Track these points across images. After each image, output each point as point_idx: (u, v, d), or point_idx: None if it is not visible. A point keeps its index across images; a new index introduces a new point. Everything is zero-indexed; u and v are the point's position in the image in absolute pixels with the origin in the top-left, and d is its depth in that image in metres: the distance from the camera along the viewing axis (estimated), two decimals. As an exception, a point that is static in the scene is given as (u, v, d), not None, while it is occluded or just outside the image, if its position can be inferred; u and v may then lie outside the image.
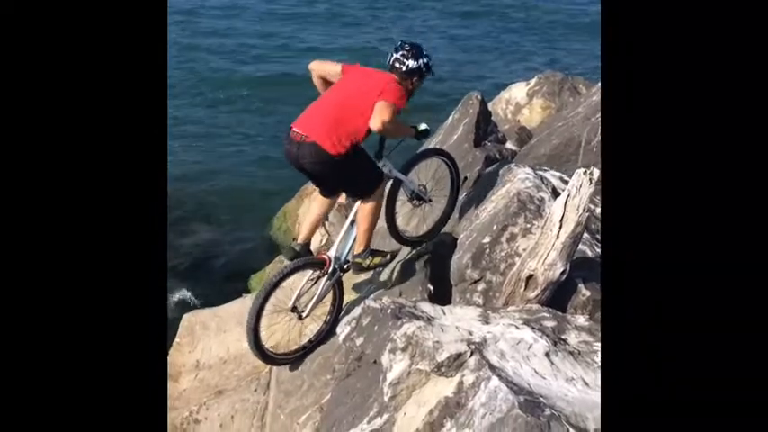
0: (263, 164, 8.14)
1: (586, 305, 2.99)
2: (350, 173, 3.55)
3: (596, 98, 4.74)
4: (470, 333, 2.46)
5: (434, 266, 3.95)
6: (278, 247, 6.20)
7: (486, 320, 2.65)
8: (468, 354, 2.29)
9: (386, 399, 2.40)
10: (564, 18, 15.66)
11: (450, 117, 5.66)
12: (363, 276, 4.13)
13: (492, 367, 2.20)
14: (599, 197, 4.08)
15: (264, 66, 11.88)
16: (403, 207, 4.03)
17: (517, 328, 2.50)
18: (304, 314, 3.79)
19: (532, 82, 6.59)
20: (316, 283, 3.77)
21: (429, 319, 2.60)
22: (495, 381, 2.11)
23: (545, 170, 4.11)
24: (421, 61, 3.56)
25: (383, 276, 4.12)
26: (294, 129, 3.46)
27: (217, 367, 4.29)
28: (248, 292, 5.45)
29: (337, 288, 3.84)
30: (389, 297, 2.90)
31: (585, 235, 3.36)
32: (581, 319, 2.73)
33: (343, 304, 3.89)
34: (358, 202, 3.70)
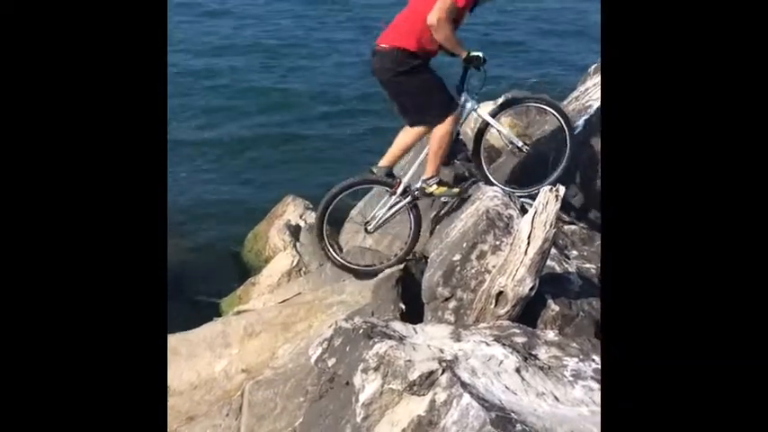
0: (232, 184, 8.09)
1: (556, 320, 3.02)
2: (418, 90, 3.69)
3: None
4: (442, 351, 2.47)
5: (406, 285, 3.96)
6: (249, 269, 6.15)
7: (457, 338, 2.67)
8: (440, 372, 2.30)
9: (359, 420, 2.39)
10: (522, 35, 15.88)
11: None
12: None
13: (463, 384, 2.21)
14: (574, 213, 4.15)
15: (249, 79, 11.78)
16: None
17: (488, 344, 2.52)
18: (370, 228, 4.10)
19: (499, 100, 6.68)
20: (386, 203, 4.01)
21: (401, 338, 2.60)
22: (466, 398, 2.12)
23: (513, 188, 4.18)
24: None
25: (354, 297, 4.12)
26: (376, 42, 3.71)
27: (187, 393, 4.22)
28: (219, 315, 5.38)
29: (412, 214, 4.01)
30: (361, 317, 2.90)
31: (553, 251, 3.41)
32: (551, 335, 2.76)
33: (416, 242, 4.09)
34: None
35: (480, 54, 3.74)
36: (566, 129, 4.09)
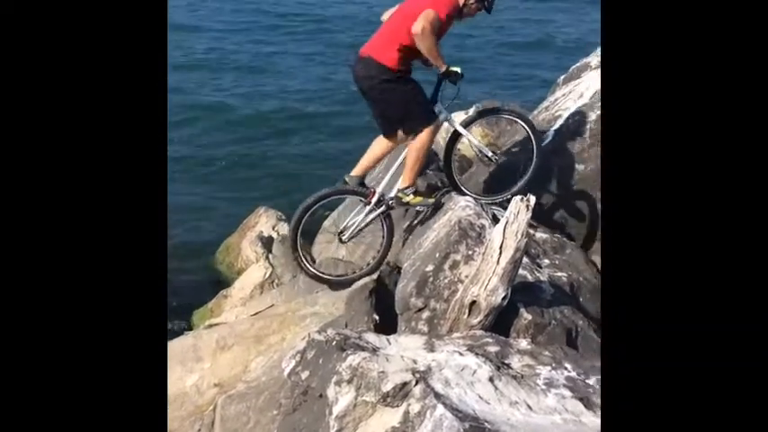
0: (203, 197, 8.01)
1: (528, 329, 3.04)
2: (401, 100, 3.71)
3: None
4: (415, 362, 2.47)
5: (380, 296, 3.95)
6: (220, 281, 6.08)
7: (431, 348, 2.66)
8: (414, 383, 2.29)
9: (332, 432, 2.37)
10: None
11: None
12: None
13: (437, 395, 2.20)
14: (546, 222, 4.18)
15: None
16: None
17: (461, 354, 2.53)
18: (344, 237, 4.08)
19: (471, 111, 6.75)
20: (360, 212, 4.00)
21: (374, 350, 2.59)
22: (440, 409, 2.12)
23: (485, 197, 4.20)
24: None
25: (328, 308, 4.10)
26: (360, 50, 3.74)
27: (158, 408, 4.15)
28: (190, 328, 5.31)
29: (385, 224, 4.02)
30: (334, 329, 2.89)
31: (525, 259, 3.43)
32: (523, 343, 2.77)
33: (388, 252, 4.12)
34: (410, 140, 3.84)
35: (459, 70, 3.78)
36: (533, 139, 4.14)
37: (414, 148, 3.83)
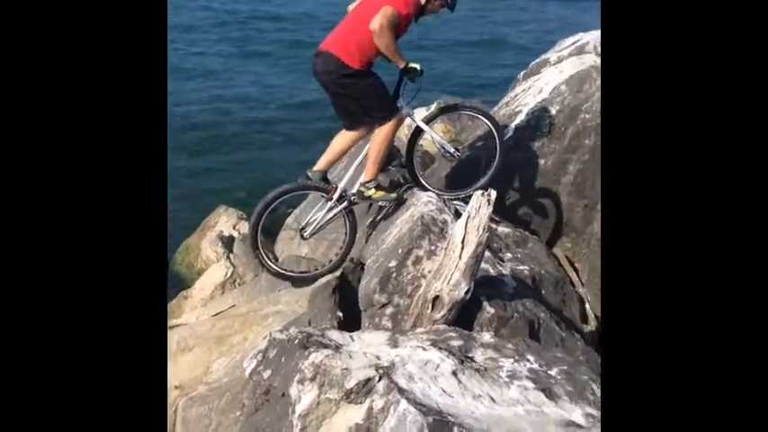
0: (163, 197, 7.86)
1: (491, 322, 3.05)
2: (362, 94, 3.67)
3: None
4: (378, 358, 2.45)
5: (344, 293, 3.93)
6: (181, 281, 5.97)
7: (394, 344, 2.65)
8: (377, 379, 2.27)
9: (296, 431, 2.33)
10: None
11: (354, 143, 5.71)
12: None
13: (401, 390, 2.19)
14: (508, 216, 4.21)
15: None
16: None
17: (424, 349, 2.52)
18: (306, 234, 4.03)
19: (432, 107, 6.77)
20: (322, 208, 3.97)
21: (337, 347, 2.56)
22: (403, 404, 2.10)
23: (447, 193, 4.21)
24: None
25: (291, 306, 4.05)
26: (321, 45, 3.70)
27: (117, 413, 4.05)
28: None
29: (348, 220, 3.98)
30: (297, 327, 2.85)
31: (488, 254, 3.45)
32: (486, 337, 2.78)
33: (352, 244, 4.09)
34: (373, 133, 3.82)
35: (418, 66, 3.76)
36: (495, 134, 4.16)
37: (375, 142, 3.82)
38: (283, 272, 4.11)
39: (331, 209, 3.96)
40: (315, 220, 4.01)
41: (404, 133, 6.46)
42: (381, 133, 3.78)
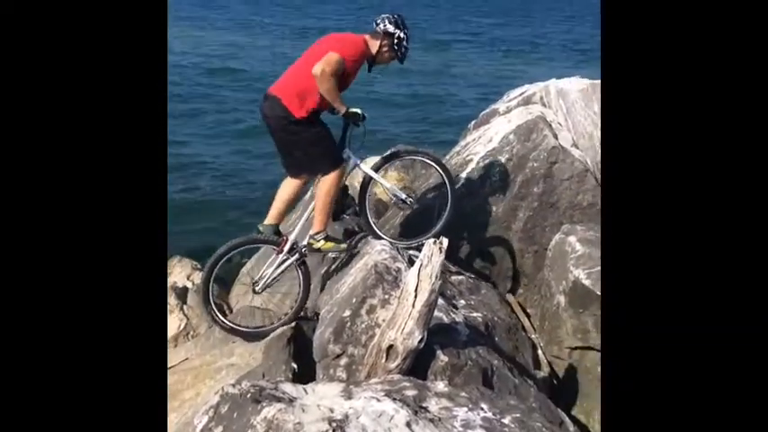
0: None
1: (445, 370, 3.06)
2: (307, 142, 3.66)
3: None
4: (332, 410, 2.43)
5: (299, 344, 3.89)
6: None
7: (348, 396, 2.63)
8: (330, 432, 2.26)
9: (248, 490, 2.28)
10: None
11: (309, 191, 5.74)
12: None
13: (354, 444, 2.17)
14: (461, 263, 4.26)
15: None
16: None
17: (378, 400, 2.51)
18: (257, 288, 3.99)
19: (384, 154, 6.86)
20: (273, 262, 3.92)
21: (290, 400, 2.54)
22: (357, 458, 2.09)
23: (401, 241, 4.26)
24: (399, 31, 3.73)
25: (245, 358, 3.99)
26: (269, 89, 3.69)
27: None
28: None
29: (301, 271, 3.93)
30: (249, 381, 2.81)
31: (441, 301, 3.49)
32: (440, 386, 2.79)
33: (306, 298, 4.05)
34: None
35: (359, 111, 3.78)
36: (447, 182, 4.24)
37: (321, 193, 3.82)
38: (236, 327, 4.04)
39: (282, 262, 3.94)
40: (267, 273, 3.98)
41: (357, 181, 6.53)
42: (326, 184, 3.78)
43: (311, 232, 3.90)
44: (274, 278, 3.98)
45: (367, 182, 4.16)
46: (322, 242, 3.89)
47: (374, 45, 3.75)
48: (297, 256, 3.93)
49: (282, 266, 3.94)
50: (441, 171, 4.28)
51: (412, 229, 4.54)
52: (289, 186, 3.92)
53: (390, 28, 3.74)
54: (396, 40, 3.75)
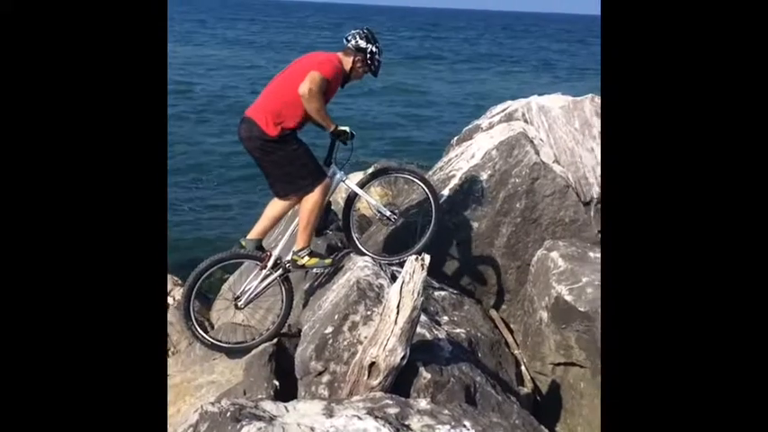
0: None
1: (428, 387, 3.05)
2: (285, 161, 3.66)
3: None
4: (313, 429, 2.40)
5: (280, 361, 3.86)
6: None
7: (330, 413, 2.61)
8: (311, 452, 2.23)
9: None
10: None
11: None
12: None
13: (335, 463, 2.15)
14: (444, 279, 4.25)
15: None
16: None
17: (360, 418, 2.49)
18: (240, 304, 3.95)
19: (369, 171, 6.87)
20: (256, 277, 3.90)
21: (271, 419, 2.51)
22: (338, 478, 2.06)
23: (384, 257, 4.25)
24: (371, 46, 3.76)
25: (226, 376, 3.94)
26: (246, 111, 3.71)
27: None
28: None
29: (283, 287, 3.91)
30: (229, 399, 2.77)
31: (424, 317, 3.48)
32: (423, 403, 2.77)
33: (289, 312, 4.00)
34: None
35: (348, 129, 3.82)
36: (431, 198, 4.24)
37: (304, 209, 3.82)
38: (217, 343, 4.00)
39: (265, 277, 3.91)
40: (249, 288, 3.95)
41: (341, 197, 6.53)
42: (309, 201, 3.78)
43: (295, 248, 3.88)
44: (257, 294, 3.95)
45: (352, 198, 4.15)
46: (306, 258, 3.87)
47: (347, 62, 3.78)
48: (280, 271, 3.90)
49: (266, 282, 3.91)
50: (426, 189, 4.29)
51: (395, 245, 4.53)
52: (276, 205, 3.91)
53: (362, 43, 3.77)
54: (368, 55, 3.79)
